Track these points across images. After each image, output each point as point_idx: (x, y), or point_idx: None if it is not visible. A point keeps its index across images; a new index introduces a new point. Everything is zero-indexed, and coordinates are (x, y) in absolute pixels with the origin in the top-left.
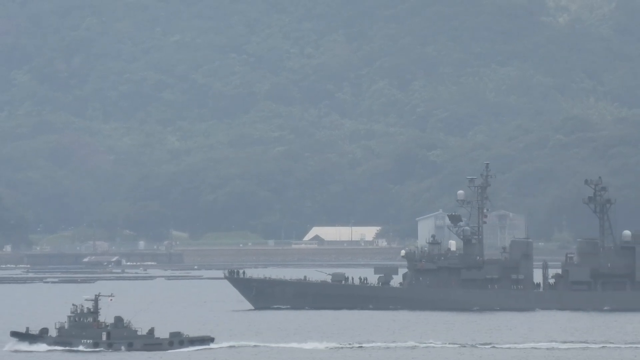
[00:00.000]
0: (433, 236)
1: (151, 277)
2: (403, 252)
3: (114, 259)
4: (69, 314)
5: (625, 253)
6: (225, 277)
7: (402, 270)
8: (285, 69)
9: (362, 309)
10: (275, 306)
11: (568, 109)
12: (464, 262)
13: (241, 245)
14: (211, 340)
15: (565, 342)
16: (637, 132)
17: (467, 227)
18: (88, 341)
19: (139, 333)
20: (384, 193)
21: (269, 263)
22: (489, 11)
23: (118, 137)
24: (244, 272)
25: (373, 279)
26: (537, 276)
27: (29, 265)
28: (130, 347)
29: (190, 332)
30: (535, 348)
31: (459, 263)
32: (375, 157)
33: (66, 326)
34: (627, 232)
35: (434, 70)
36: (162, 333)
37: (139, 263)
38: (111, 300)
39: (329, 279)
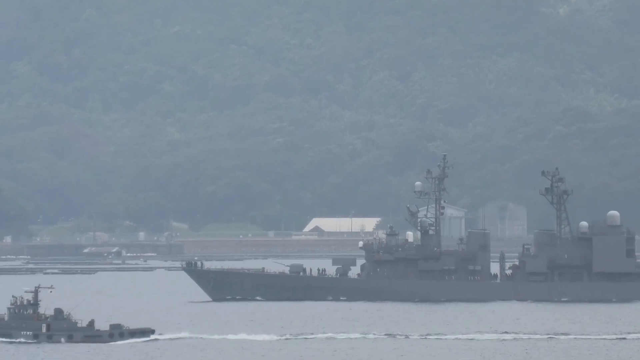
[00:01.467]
0: (391, 227)
1: (151, 268)
2: (361, 243)
3: (114, 250)
4: (9, 306)
5: (582, 244)
6: (183, 269)
7: (361, 262)
8: (285, 60)
9: (320, 300)
10: (233, 297)
11: (568, 100)
12: (421, 253)
13: (241, 236)
14: (151, 332)
15: (510, 332)
16: (637, 123)
17: (424, 219)
18: (28, 333)
19: (79, 325)
20: (384, 184)
21: (269, 254)
22: (489, 2)
23: (118, 129)
24: (201, 264)
25: (332, 270)
26: (495, 267)
27: (29, 257)
28: (70, 339)
29: (138, 324)
30: (475, 339)
31: (416, 254)
32: (376, 148)
33: (6, 318)
34: (584, 223)
35: (434, 61)
36: (104, 325)
37: (139, 254)
38: (51, 292)
39: (287, 270)
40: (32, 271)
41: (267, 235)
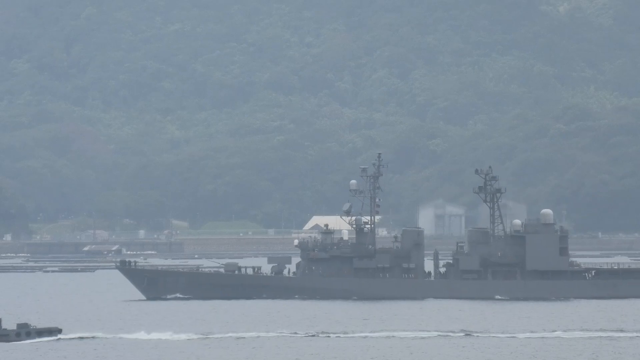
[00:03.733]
0: (326, 225)
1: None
2: (296, 241)
3: (114, 248)
4: None
5: (515, 242)
6: (117, 268)
7: (296, 260)
8: (285, 58)
9: (256, 298)
10: (168, 296)
11: (568, 98)
12: (356, 251)
13: (241, 234)
14: (59, 331)
15: (432, 330)
16: (637, 121)
17: (359, 217)
18: None
19: None
20: (384, 182)
21: (269, 252)
22: (489, 0)
23: (118, 127)
24: (135, 263)
25: (267, 268)
26: (429, 265)
27: (29, 255)
28: None
29: (62, 324)
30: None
31: (350, 252)
32: (376, 146)
33: None
34: (517, 221)
35: (434, 59)
36: (10, 324)
37: (139, 252)
38: None
39: (222, 269)
40: (32, 269)
41: (267, 233)
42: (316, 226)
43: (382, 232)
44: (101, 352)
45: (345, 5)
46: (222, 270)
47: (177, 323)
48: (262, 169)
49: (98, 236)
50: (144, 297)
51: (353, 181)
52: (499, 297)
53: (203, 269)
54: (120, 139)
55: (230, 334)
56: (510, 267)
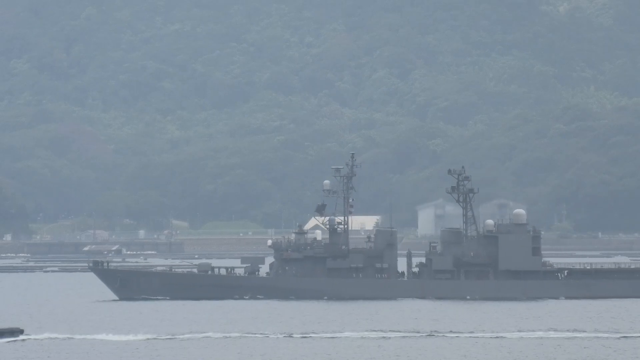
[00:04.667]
0: (299, 225)
1: (151, 266)
2: (270, 241)
3: (114, 248)
4: None
5: (488, 242)
6: (90, 268)
7: (270, 260)
8: (285, 58)
9: (229, 299)
10: (141, 297)
11: (568, 98)
12: (329, 251)
13: (241, 234)
14: (20, 332)
15: (383, 330)
16: (637, 121)
17: (332, 217)
18: None
19: None
20: (384, 182)
21: (269, 252)
22: (489, 0)
23: (118, 127)
24: (107, 263)
25: (241, 269)
26: (403, 265)
27: (29, 255)
28: None
29: (27, 325)
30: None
31: (324, 252)
32: (376, 146)
33: None
34: (489, 222)
35: (434, 59)
36: None
37: (139, 252)
38: None
39: (195, 269)
40: (32, 269)
41: (267, 234)
42: (316, 226)
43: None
44: (55, 353)
45: (345, 5)
46: (195, 270)
47: (141, 324)
48: (262, 169)
49: (98, 236)
50: (117, 298)
51: (326, 181)
52: (472, 297)
53: (176, 270)
54: (120, 139)
55: (189, 335)
56: (483, 267)
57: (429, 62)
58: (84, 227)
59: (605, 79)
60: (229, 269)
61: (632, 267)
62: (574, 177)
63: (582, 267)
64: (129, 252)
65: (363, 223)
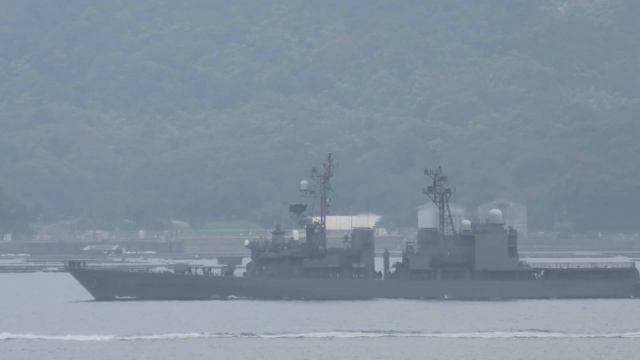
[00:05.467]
0: (277, 226)
1: (152, 266)
2: (247, 242)
3: (114, 248)
4: None
5: (464, 242)
6: (66, 268)
7: (247, 260)
8: (285, 58)
9: (205, 299)
10: (117, 297)
11: (568, 98)
12: (306, 251)
13: (241, 234)
14: None
15: (344, 330)
16: (637, 121)
17: (309, 217)
18: None
19: None
20: (384, 182)
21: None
22: (489, 0)
23: (118, 127)
24: (84, 263)
25: (218, 269)
26: (380, 265)
27: (29, 254)
28: None
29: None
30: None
31: (301, 252)
32: (376, 146)
33: None
34: (466, 222)
35: (434, 59)
36: None
37: (139, 252)
38: None
39: (172, 269)
40: (32, 269)
41: (267, 234)
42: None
43: (382, 232)
44: (18, 353)
45: (345, 5)
46: (172, 270)
47: (108, 324)
48: (262, 169)
49: (98, 236)
50: (93, 298)
51: (303, 181)
52: (449, 297)
53: (153, 270)
54: (120, 139)
55: (155, 335)
56: (460, 267)
57: (429, 62)
58: (84, 227)
59: (605, 79)
60: (206, 269)
61: (609, 267)
62: (574, 177)
63: (558, 267)
64: (129, 252)
65: (363, 223)
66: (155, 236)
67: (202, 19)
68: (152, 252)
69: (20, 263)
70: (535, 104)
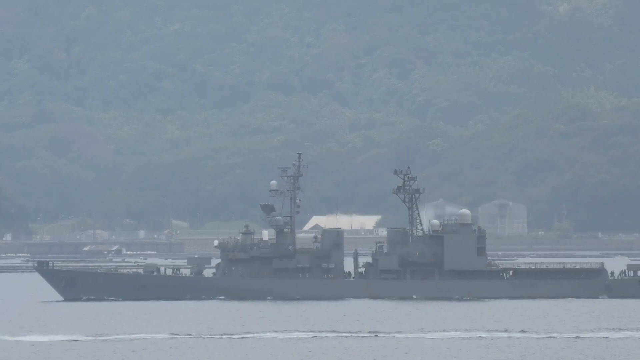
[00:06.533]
0: (246, 226)
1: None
2: (216, 242)
3: (114, 248)
4: None
5: (433, 242)
6: (34, 269)
7: (216, 261)
8: (285, 58)
9: (176, 299)
10: (86, 298)
11: (568, 98)
12: (276, 251)
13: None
14: None
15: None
16: (637, 121)
17: (279, 217)
18: None
19: None
20: (384, 182)
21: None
22: (489, 0)
23: (118, 127)
24: (52, 263)
25: (187, 269)
26: (350, 265)
27: (29, 254)
28: None
29: None
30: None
31: (270, 252)
32: (376, 146)
33: None
34: (435, 222)
35: (434, 59)
36: None
37: (139, 252)
38: None
39: (141, 269)
40: (32, 269)
41: (268, 234)
42: (316, 226)
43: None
44: None
45: (345, 5)
46: (141, 271)
47: (72, 325)
48: (262, 169)
49: (98, 236)
50: (62, 298)
51: (273, 182)
52: (418, 297)
53: (122, 270)
54: (120, 138)
55: (117, 336)
56: (429, 267)
57: (429, 62)
58: (84, 227)
59: (605, 79)
60: (175, 270)
61: (577, 267)
62: (574, 177)
63: (527, 267)
64: (129, 252)
65: (363, 223)
66: (155, 236)
67: (202, 19)
68: (152, 252)
69: (20, 263)
70: (535, 104)
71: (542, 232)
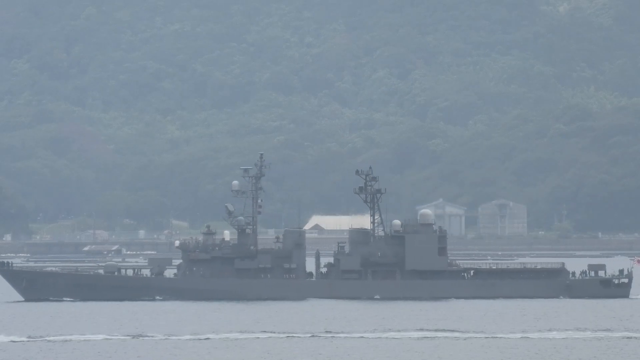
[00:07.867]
0: (208, 226)
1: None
2: (177, 242)
3: (114, 248)
4: None
5: (395, 242)
6: None
7: (177, 262)
8: (285, 58)
9: (136, 300)
10: (47, 298)
11: (568, 98)
12: (237, 251)
13: None
14: None
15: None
16: (637, 121)
17: (241, 217)
18: None
19: None
20: (384, 182)
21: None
22: (489, 0)
23: (118, 127)
24: (11, 263)
25: (148, 270)
26: (312, 265)
27: (28, 254)
28: None
29: None
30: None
31: (232, 253)
32: (376, 146)
33: None
34: (396, 222)
35: (434, 59)
36: None
37: (139, 252)
38: None
39: (102, 270)
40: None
41: (267, 234)
42: (316, 226)
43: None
44: None
45: (345, 5)
46: (101, 271)
47: (23, 325)
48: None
49: (98, 236)
50: (22, 299)
51: (235, 182)
52: (379, 297)
53: (82, 271)
54: (120, 138)
55: (59, 337)
56: (390, 267)
57: (429, 62)
58: (84, 227)
59: (605, 79)
60: (136, 270)
61: (538, 267)
62: (574, 177)
63: (487, 267)
64: (129, 252)
65: (363, 223)
66: (155, 236)
67: (202, 19)
68: (152, 252)
69: (20, 263)
70: (535, 104)
71: (542, 232)
